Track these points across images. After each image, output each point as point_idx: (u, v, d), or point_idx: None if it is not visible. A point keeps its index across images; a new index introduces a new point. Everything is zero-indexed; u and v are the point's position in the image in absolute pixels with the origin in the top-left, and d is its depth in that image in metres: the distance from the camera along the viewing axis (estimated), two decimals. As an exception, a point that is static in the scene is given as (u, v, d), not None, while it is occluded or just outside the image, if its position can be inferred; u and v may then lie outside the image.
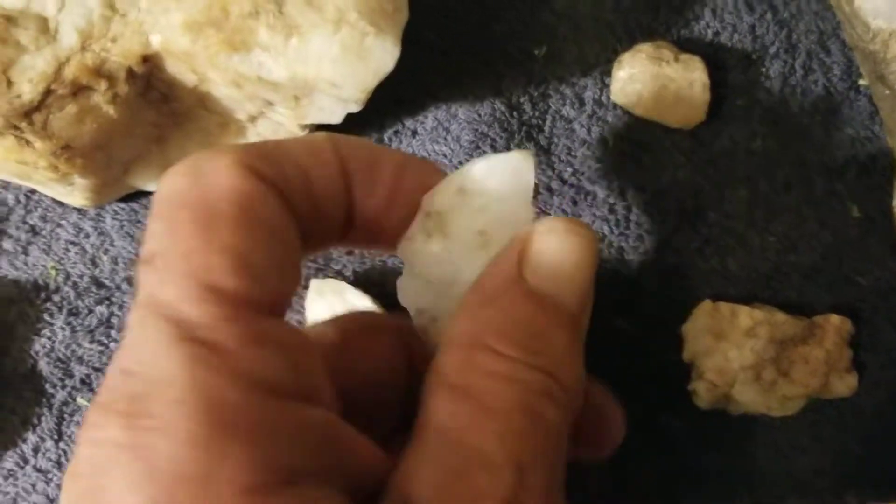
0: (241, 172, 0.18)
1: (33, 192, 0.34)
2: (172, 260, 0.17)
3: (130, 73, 0.28)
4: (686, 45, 0.33)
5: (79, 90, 0.27)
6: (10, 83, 0.27)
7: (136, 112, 0.29)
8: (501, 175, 0.21)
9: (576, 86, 0.34)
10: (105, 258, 0.33)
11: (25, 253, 0.34)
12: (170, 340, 0.17)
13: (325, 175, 0.20)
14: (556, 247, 0.20)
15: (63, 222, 0.34)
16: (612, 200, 0.32)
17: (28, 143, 0.28)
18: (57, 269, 0.33)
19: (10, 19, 0.27)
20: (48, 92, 0.27)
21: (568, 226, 0.20)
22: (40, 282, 0.33)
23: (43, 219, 0.34)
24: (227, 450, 0.16)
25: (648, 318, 0.31)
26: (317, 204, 0.20)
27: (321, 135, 0.21)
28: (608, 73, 0.33)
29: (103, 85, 0.27)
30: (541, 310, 0.19)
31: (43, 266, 0.34)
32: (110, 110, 0.28)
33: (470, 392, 0.18)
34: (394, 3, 0.27)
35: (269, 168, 0.19)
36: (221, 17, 0.26)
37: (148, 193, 0.33)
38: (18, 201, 0.34)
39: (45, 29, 0.27)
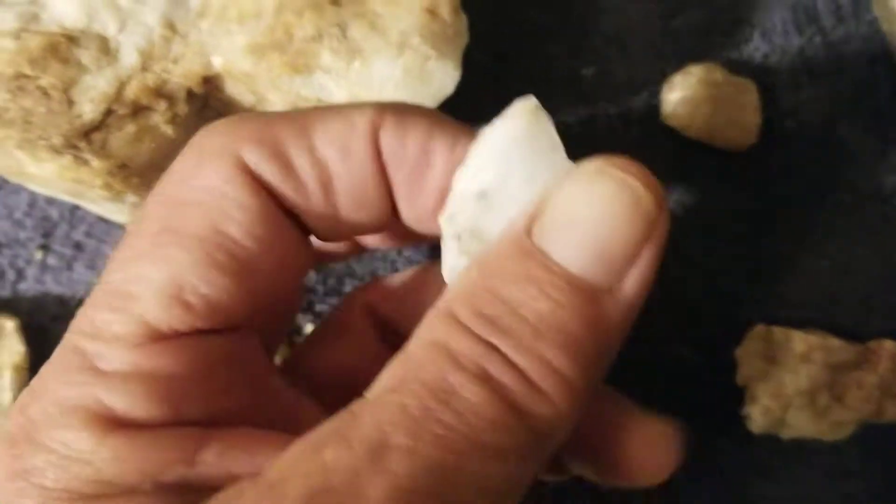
0: (235, 179, 0.17)
1: (77, 207, 0.34)
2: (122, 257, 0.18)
3: (190, 93, 0.27)
4: (735, 67, 0.33)
5: (138, 110, 0.27)
6: (71, 103, 0.26)
7: (191, 131, 0.29)
8: (520, 151, 0.17)
9: (624, 107, 0.34)
10: (151, 275, 0.33)
11: (69, 269, 0.34)
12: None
13: (351, 171, 0.18)
14: (573, 193, 0.16)
15: (108, 239, 0.34)
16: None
17: (85, 161, 0.27)
18: (102, 286, 0.33)
19: (72, 39, 0.26)
20: (108, 112, 0.27)
21: (600, 166, 0.17)
22: (85, 298, 0.33)
23: (88, 235, 0.34)
24: None
25: (701, 343, 0.31)
26: (338, 202, 0.18)
27: (360, 117, 0.18)
28: (656, 94, 0.33)
29: (163, 105, 0.27)
30: (532, 272, 0.16)
31: (87, 282, 0.33)
32: (168, 130, 0.28)
33: (409, 355, 0.16)
34: (454, 28, 0.27)
35: (272, 169, 0.18)
36: (285, 39, 0.26)
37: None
38: (63, 217, 0.34)
39: (106, 49, 0.27)
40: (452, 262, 0.18)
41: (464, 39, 0.28)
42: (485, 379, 0.15)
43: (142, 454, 0.16)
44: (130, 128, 0.27)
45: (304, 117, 0.18)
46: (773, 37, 0.34)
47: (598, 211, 0.16)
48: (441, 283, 0.18)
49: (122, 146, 0.27)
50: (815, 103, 0.33)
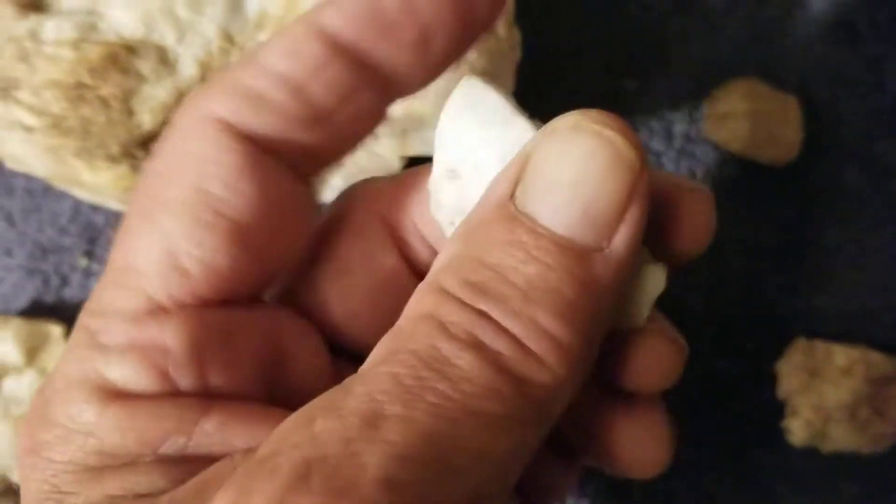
0: (209, 135, 0.17)
1: (122, 214, 0.34)
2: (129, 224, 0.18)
3: (246, 104, 0.28)
4: (775, 83, 0.33)
5: (195, 121, 0.27)
6: (130, 112, 0.27)
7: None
8: (472, 121, 0.18)
9: (665, 120, 0.34)
10: (195, 282, 0.34)
11: (114, 275, 0.34)
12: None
13: (326, 73, 0.17)
14: (553, 153, 0.16)
15: (152, 245, 0.34)
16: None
17: (141, 170, 0.28)
18: (146, 293, 0.34)
19: (131, 49, 0.27)
20: (167, 122, 0.27)
21: (576, 121, 0.16)
22: (130, 305, 0.34)
23: (132, 241, 0.34)
24: None
25: (742, 356, 0.32)
26: (333, 105, 0.17)
27: (296, 26, 0.17)
28: (697, 108, 0.34)
29: (219, 116, 0.27)
30: (518, 237, 0.15)
31: (132, 289, 0.34)
32: (223, 141, 0.28)
33: (399, 329, 0.16)
34: (509, 43, 0.27)
35: (239, 105, 0.17)
36: (343, 52, 0.27)
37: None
38: (108, 223, 0.34)
39: (165, 60, 0.27)
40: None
41: (517, 54, 0.28)
42: (477, 346, 0.15)
43: (142, 424, 0.16)
44: (187, 138, 0.27)
45: (249, 54, 0.18)
46: (813, 53, 0.34)
47: (580, 169, 0.15)
48: None
49: (178, 156, 0.28)
50: (854, 119, 0.33)
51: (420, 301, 0.16)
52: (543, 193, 0.15)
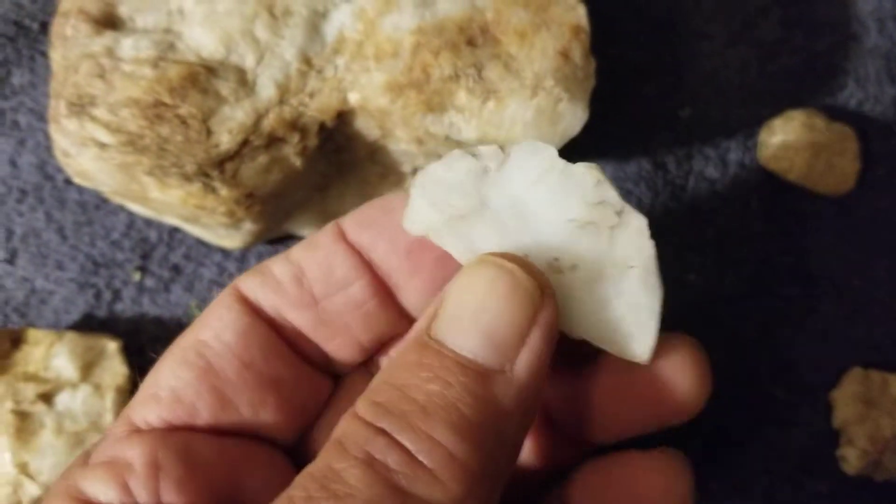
0: (225, 302, 0.20)
1: (176, 230, 0.34)
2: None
3: (322, 127, 0.28)
4: (830, 114, 0.34)
5: (272, 142, 0.27)
6: (209, 132, 0.27)
7: (313, 163, 0.29)
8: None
9: (719, 147, 0.34)
10: (250, 300, 0.33)
11: (167, 291, 0.34)
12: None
13: (325, 263, 0.20)
14: (461, 286, 0.17)
15: (206, 261, 0.34)
16: (757, 264, 0.33)
17: (213, 189, 0.28)
18: (200, 308, 0.33)
19: (211, 70, 0.27)
20: (245, 143, 0.27)
21: (481, 258, 0.17)
22: (183, 320, 0.33)
23: (186, 257, 0.34)
24: None
25: (796, 385, 0.32)
26: (322, 292, 0.20)
27: (329, 224, 0.21)
28: (751, 136, 0.34)
29: (296, 137, 0.27)
30: (425, 360, 0.16)
31: (185, 304, 0.34)
32: (297, 161, 0.28)
33: (324, 451, 0.17)
34: (585, 70, 0.28)
35: (256, 282, 0.20)
36: (423, 79, 0.27)
37: (295, 238, 0.33)
38: (161, 239, 0.34)
39: (244, 81, 0.27)
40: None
41: (592, 82, 0.28)
42: (368, 462, 0.15)
43: None
44: (263, 159, 0.27)
45: (291, 248, 0.21)
46: (867, 85, 0.34)
47: (482, 296, 0.17)
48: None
49: (252, 176, 0.28)
50: (908, 152, 0.34)
51: (335, 428, 0.17)
52: (451, 320, 0.17)
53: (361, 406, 0.17)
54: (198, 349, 0.20)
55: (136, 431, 0.19)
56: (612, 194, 0.19)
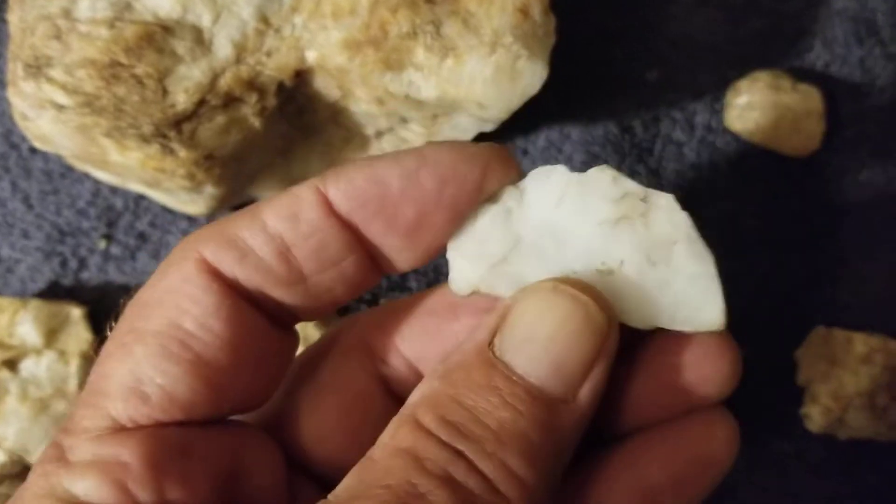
0: (193, 276, 0.19)
1: (142, 197, 0.34)
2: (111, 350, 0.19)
3: (280, 86, 0.28)
4: (797, 75, 0.34)
5: (230, 101, 0.27)
6: (165, 92, 0.26)
7: (274, 124, 0.29)
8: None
9: (686, 111, 0.34)
10: (216, 266, 0.33)
11: (133, 258, 0.34)
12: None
13: (305, 234, 0.19)
14: (532, 310, 0.18)
15: (172, 229, 0.34)
16: (722, 225, 0.33)
17: (172, 151, 0.28)
18: (167, 276, 0.33)
19: (167, 29, 0.26)
20: (201, 102, 0.27)
21: (555, 285, 0.18)
22: (150, 288, 0.33)
23: (152, 225, 0.34)
24: None
25: (761, 344, 0.32)
26: (304, 270, 0.19)
27: (305, 189, 0.19)
28: (719, 99, 0.34)
29: (254, 97, 0.27)
30: (494, 383, 0.17)
31: (150, 272, 0.33)
32: (256, 122, 0.28)
33: (373, 461, 0.17)
34: (544, 28, 0.28)
35: (229, 256, 0.19)
36: (380, 36, 0.27)
37: (259, 203, 0.33)
38: (127, 207, 0.34)
39: (201, 40, 0.27)
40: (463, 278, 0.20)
41: (552, 39, 0.28)
42: (452, 484, 0.16)
43: None
44: (220, 119, 0.27)
45: (254, 207, 0.19)
46: (834, 47, 0.34)
47: (555, 328, 0.17)
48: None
49: (210, 137, 0.27)
50: (874, 113, 0.34)
51: (396, 434, 0.17)
52: (521, 345, 0.17)
53: (429, 419, 0.17)
54: (182, 340, 0.18)
55: (123, 430, 0.18)
56: (631, 185, 0.19)
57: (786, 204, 0.33)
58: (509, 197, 0.20)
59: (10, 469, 0.30)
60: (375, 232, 0.19)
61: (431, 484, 0.16)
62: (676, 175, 0.34)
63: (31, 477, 0.18)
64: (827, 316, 0.32)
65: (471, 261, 0.20)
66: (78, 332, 0.31)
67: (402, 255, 0.20)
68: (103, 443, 0.18)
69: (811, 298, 0.32)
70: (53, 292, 0.33)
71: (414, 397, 0.18)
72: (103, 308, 0.33)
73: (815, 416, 0.31)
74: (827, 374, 0.31)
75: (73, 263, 0.34)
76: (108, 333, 0.20)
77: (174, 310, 0.18)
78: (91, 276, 0.33)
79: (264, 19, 0.27)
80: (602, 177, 0.20)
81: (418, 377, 0.21)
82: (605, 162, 0.34)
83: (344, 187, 0.19)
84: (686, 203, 0.33)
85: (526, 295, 0.18)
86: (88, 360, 0.31)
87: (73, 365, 0.31)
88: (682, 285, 0.19)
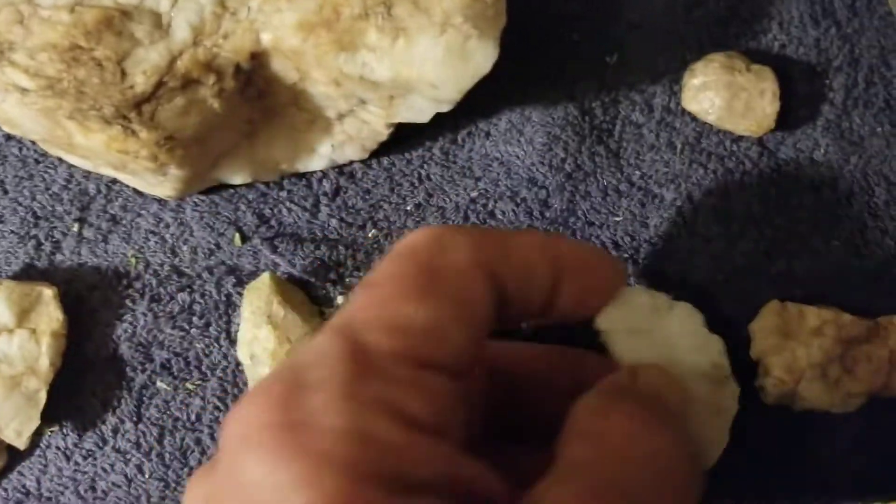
0: (472, 263, 0.21)
1: (114, 181, 0.35)
2: (381, 296, 0.20)
3: (238, 68, 0.28)
4: (753, 57, 0.34)
5: (188, 83, 0.28)
6: (124, 74, 0.27)
7: (234, 107, 0.30)
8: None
9: (645, 93, 0.35)
10: (185, 248, 0.34)
11: (105, 241, 0.34)
12: (341, 352, 0.19)
13: (540, 274, 0.23)
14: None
15: (143, 212, 0.35)
16: (679, 203, 0.34)
17: (133, 133, 0.28)
18: (137, 258, 0.34)
19: (126, 14, 0.27)
20: (160, 84, 0.28)
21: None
22: (121, 269, 0.34)
23: (123, 208, 0.35)
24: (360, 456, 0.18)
25: (716, 318, 0.33)
26: (527, 294, 0.22)
27: (538, 237, 0.23)
28: (677, 81, 0.35)
29: (211, 79, 0.28)
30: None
31: (123, 254, 0.34)
32: (215, 104, 0.29)
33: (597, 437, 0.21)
34: (495, 8, 0.28)
35: (497, 265, 0.22)
36: (333, 17, 0.27)
37: (229, 187, 0.34)
38: (99, 191, 0.35)
39: (159, 24, 0.28)
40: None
41: (503, 20, 0.29)
42: None
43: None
44: (179, 100, 0.28)
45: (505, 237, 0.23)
46: (790, 28, 0.35)
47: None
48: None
49: (170, 118, 0.28)
50: (829, 93, 0.34)
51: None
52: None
53: None
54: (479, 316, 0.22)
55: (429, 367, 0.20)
56: (725, 364, 0.25)
57: (741, 183, 0.34)
58: (663, 303, 0.26)
59: (-17, 444, 0.31)
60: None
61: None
62: (636, 155, 0.34)
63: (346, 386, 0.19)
64: (781, 290, 0.33)
65: (621, 314, 0.25)
66: (49, 312, 0.32)
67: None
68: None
69: (766, 274, 0.33)
70: (28, 274, 0.34)
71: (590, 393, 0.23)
72: (76, 289, 0.34)
73: (769, 389, 0.31)
74: (780, 347, 0.31)
75: (47, 246, 0.34)
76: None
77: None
78: (64, 258, 0.34)
79: (221, 3, 0.28)
80: (718, 345, 0.26)
81: None
82: (567, 144, 0.34)
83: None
84: (644, 184, 0.34)
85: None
86: (59, 339, 0.32)
87: (44, 343, 0.32)
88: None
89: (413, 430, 0.18)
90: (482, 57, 0.28)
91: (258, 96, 0.31)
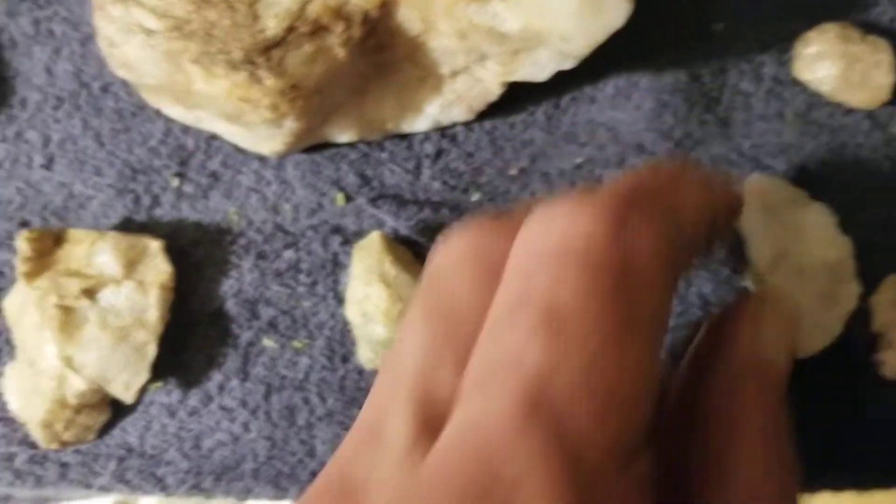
0: (661, 263, 0.17)
1: (214, 137, 0.34)
2: (576, 344, 0.16)
3: (366, 17, 0.28)
4: (863, 28, 0.34)
5: (317, 30, 0.28)
6: (256, 17, 0.27)
7: (355, 59, 0.29)
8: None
9: (754, 62, 0.34)
10: (287, 206, 0.34)
11: (206, 197, 0.34)
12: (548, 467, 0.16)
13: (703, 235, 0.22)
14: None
15: (244, 169, 0.34)
16: (791, 175, 0.33)
17: (259, 80, 0.28)
18: (239, 215, 0.34)
19: (259, -45, 0.27)
20: (290, 29, 0.27)
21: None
22: (223, 225, 0.34)
23: (224, 164, 0.34)
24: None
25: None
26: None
27: (695, 190, 0.21)
28: (786, 50, 0.34)
29: (340, 27, 0.28)
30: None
31: (224, 210, 0.34)
32: (341, 53, 0.28)
33: None
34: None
35: (679, 253, 0.19)
36: (468, -36, 0.27)
37: (329, 146, 0.34)
38: (198, 146, 0.34)
39: (292, -33, 0.27)
40: None
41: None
42: None
43: None
44: (308, 47, 0.28)
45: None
46: (903, -1, 0.34)
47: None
48: None
49: (297, 65, 0.28)
50: (943, 65, 0.34)
51: None
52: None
53: None
54: None
55: None
56: (852, 263, 0.27)
57: (855, 156, 0.33)
58: None
59: (90, 398, 0.30)
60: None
61: None
62: (744, 125, 0.34)
63: None
64: (897, 264, 0.32)
65: None
66: (157, 264, 0.32)
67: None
68: None
69: (883, 247, 0.32)
70: (126, 228, 0.34)
71: None
72: (177, 243, 0.33)
73: (890, 362, 0.31)
74: (899, 321, 0.31)
75: (145, 200, 0.34)
76: None
77: None
78: (164, 213, 0.34)
79: (354, -51, 0.27)
80: None
81: None
82: (676, 111, 0.34)
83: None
84: (754, 154, 0.33)
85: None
86: (167, 291, 0.31)
87: (152, 295, 0.31)
88: None
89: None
90: (617, 10, 0.28)
91: (376, 49, 0.30)
